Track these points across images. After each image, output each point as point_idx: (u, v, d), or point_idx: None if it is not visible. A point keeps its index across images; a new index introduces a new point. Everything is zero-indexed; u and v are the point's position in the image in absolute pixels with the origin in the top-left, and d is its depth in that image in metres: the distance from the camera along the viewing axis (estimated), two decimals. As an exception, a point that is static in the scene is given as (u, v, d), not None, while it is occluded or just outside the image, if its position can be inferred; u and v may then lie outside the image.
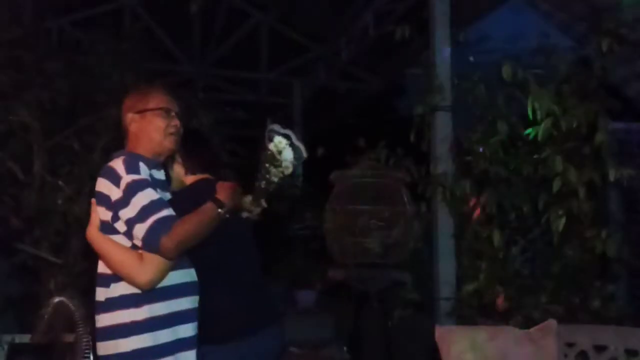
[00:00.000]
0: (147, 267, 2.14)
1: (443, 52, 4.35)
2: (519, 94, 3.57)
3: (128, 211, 2.16)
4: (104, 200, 2.21)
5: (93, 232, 2.23)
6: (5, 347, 3.50)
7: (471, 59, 4.18)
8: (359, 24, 6.54)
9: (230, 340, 2.31)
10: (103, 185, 2.22)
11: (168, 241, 2.10)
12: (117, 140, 4.22)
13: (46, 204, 4.14)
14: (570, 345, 3.02)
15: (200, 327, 2.31)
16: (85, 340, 2.66)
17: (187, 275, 2.30)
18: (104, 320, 2.22)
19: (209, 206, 2.23)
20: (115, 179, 2.19)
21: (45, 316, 2.73)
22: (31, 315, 3.46)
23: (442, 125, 4.25)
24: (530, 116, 3.45)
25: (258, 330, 2.36)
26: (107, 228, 2.22)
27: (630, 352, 2.75)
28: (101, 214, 2.23)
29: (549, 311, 3.39)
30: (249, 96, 8.08)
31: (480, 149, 3.69)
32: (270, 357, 2.42)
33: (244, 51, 7.47)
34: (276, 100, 8.21)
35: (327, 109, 8.42)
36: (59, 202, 4.11)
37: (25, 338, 3.55)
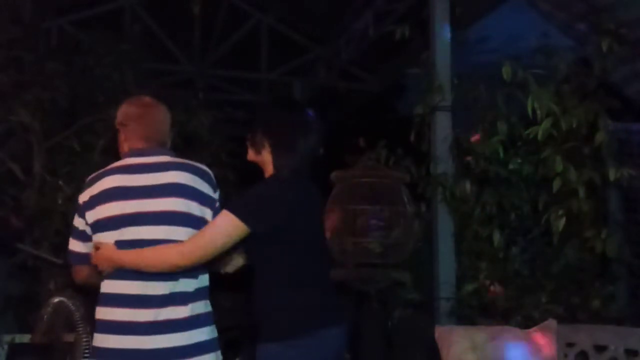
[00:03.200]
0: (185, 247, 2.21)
1: (443, 52, 4.35)
2: (519, 94, 3.57)
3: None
4: (205, 199, 2.29)
5: (119, 258, 2.22)
6: (5, 347, 3.50)
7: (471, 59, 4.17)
8: (359, 24, 6.54)
9: (288, 337, 2.22)
10: (204, 186, 2.31)
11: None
12: (117, 140, 4.26)
13: (46, 204, 4.14)
14: (570, 345, 3.02)
15: (258, 324, 2.29)
16: (85, 340, 2.66)
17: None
18: (178, 312, 2.23)
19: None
20: (214, 188, 2.34)
21: (45, 316, 2.73)
22: (31, 315, 3.47)
23: (442, 125, 4.25)
24: (530, 116, 3.45)
25: (319, 329, 2.25)
26: (197, 222, 2.26)
27: (630, 352, 2.75)
28: (192, 208, 2.26)
29: (549, 311, 3.39)
30: (249, 96, 8.08)
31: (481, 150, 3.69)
32: (330, 357, 2.30)
33: (244, 51, 7.47)
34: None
35: (327, 109, 8.42)
36: (59, 202, 4.11)
37: (25, 338, 3.54)
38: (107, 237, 2.25)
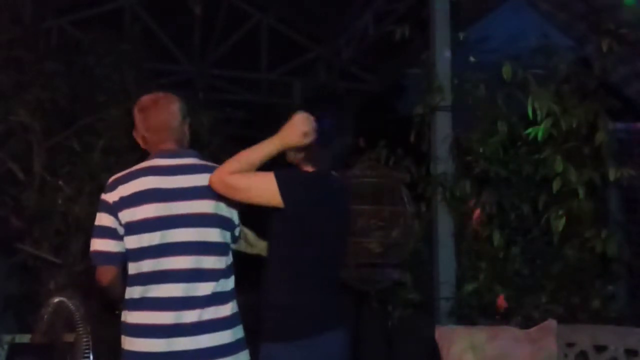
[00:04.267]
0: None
1: (443, 52, 4.35)
2: (519, 94, 3.57)
3: None
4: (231, 200, 2.35)
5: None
6: (5, 347, 3.50)
7: (471, 59, 4.17)
8: (359, 24, 6.54)
9: (293, 338, 2.24)
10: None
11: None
12: (117, 140, 4.27)
13: (46, 204, 4.15)
14: (570, 345, 3.02)
15: (262, 324, 2.32)
16: (85, 340, 2.66)
17: None
18: (221, 311, 2.29)
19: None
20: None
21: (45, 316, 2.73)
22: (31, 315, 3.47)
23: (442, 125, 4.24)
24: (530, 116, 3.45)
25: (325, 331, 2.26)
26: (226, 222, 2.38)
27: (630, 352, 2.75)
28: (221, 209, 2.36)
29: (549, 311, 3.39)
30: (249, 96, 8.07)
31: (481, 149, 3.69)
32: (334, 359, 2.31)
33: (244, 51, 7.47)
34: (276, 100, 8.21)
35: (326, 109, 8.38)
36: (59, 202, 4.11)
37: (25, 338, 3.55)
38: (145, 240, 2.26)
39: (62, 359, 3.18)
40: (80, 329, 2.67)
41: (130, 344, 2.26)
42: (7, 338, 3.55)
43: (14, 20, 4.40)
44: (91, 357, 2.68)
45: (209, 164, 2.39)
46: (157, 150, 2.39)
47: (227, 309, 2.30)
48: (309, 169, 2.36)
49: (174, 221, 2.27)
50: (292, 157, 2.39)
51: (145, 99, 2.44)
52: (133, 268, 2.29)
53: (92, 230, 2.36)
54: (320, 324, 2.27)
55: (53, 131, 4.35)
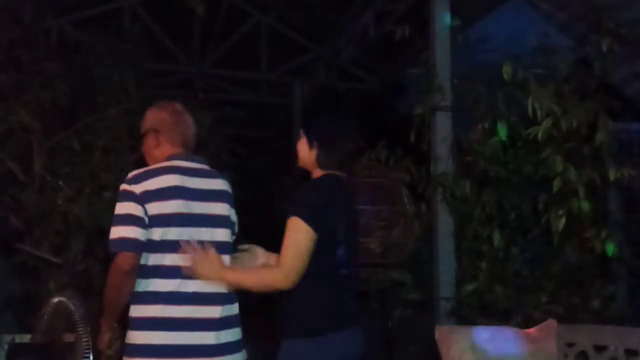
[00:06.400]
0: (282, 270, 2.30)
1: (443, 52, 4.35)
2: (519, 94, 3.57)
3: None
4: (233, 202, 2.54)
5: (222, 273, 2.37)
6: (5, 347, 3.50)
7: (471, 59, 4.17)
8: (359, 24, 6.54)
9: (313, 334, 2.32)
10: (231, 192, 2.57)
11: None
12: (117, 140, 4.26)
13: (46, 204, 4.15)
14: (570, 345, 3.02)
15: (284, 321, 2.38)
16: (85, 340, 2.66)
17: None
18: (234, 309, 2.45)
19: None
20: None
21: (45, 316, 2.73)
22: (31, 315, 3.47)
23: (442, 125, 4.24)
24: (530, 116, 3.45)
25: (343, 328, 2.36)
26: (231, 223, 2.52)
27: (630, 352, 2.75)
28: (229, 211, 2.50)
29: (549, 311, 3.40)
30: (249, 96, 8.07)
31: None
32: (352, 357, 2.41)
33: (244, 51, 7.46)
34: (276, 100, 8.21)
35: (327, 109, 8.38)
36: (59, 202, 4.11)
37: (25, 338, 3.55)
38: (167, 233, 2.33)
39: (62, 359, 3.18)
40: (80, 329, 2.67)
41: (169, 337, 2.30)
42: (7, 338, 3.54)
43: (14, 20, 4.39)
44: (91, 357, 2.69)
45: (214, 170, 2.56)
46: (167, 153, 2.46)
47: (237, 307, 2.44)
48: (318, 172, 2.43)
49: (192, 219, 2.38)
50: (307, 153, 2.46)
51: (178, 104, 2.58)
52: (153, 260, 2.33)
53: (114, 218, 2.37)
54: (347, 320, 2.38)
55: (53, 131, 4.35)
